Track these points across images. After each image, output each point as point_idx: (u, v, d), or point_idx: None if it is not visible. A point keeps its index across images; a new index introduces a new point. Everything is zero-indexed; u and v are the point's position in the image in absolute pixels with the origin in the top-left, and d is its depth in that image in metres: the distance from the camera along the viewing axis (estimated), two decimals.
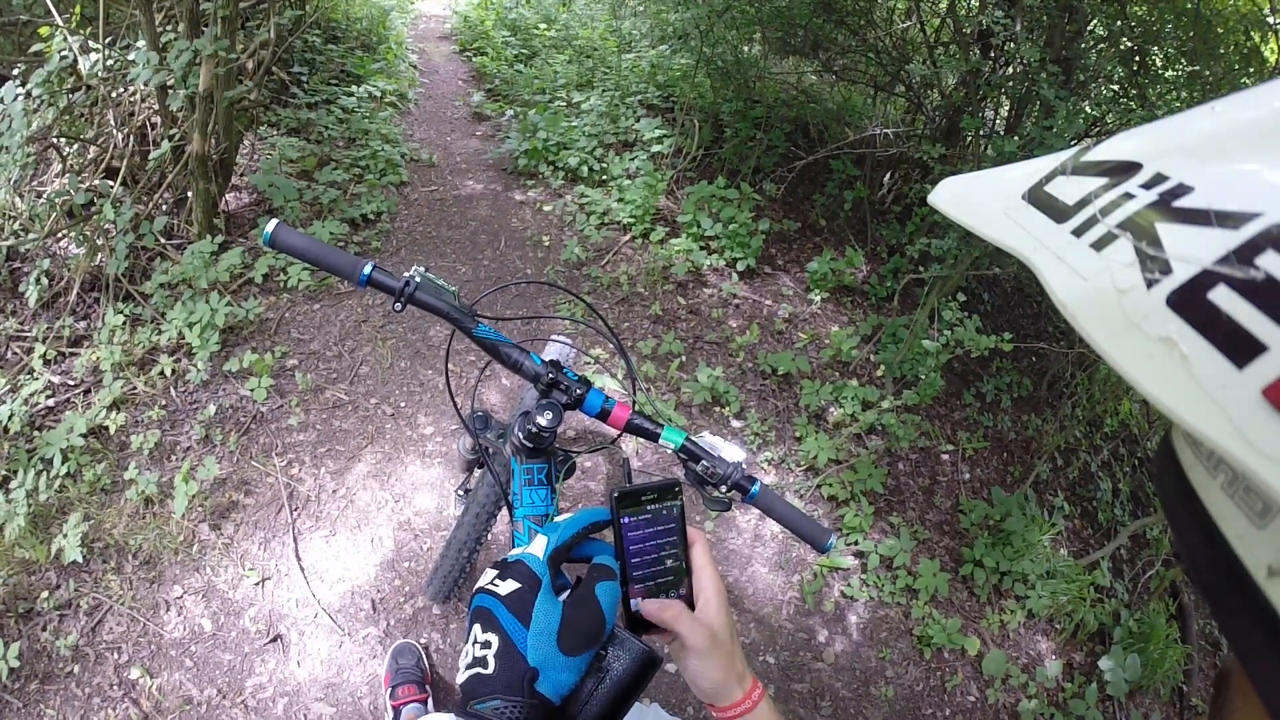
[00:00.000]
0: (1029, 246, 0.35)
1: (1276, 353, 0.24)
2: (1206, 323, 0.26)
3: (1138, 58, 3.85)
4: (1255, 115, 0.31)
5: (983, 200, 0.41)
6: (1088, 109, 3.79)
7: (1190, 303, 0.27)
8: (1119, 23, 3.70)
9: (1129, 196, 0.32)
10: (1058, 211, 0.35)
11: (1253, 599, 0.26)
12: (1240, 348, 0.24)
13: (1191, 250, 0.28)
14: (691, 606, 0.76)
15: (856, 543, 2.83)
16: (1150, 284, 0.28)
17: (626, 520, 0.76)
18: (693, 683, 0.75)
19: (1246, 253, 0.26)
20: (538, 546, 0.74)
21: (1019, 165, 0.41)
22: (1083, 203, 0.34)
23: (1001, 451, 3.50)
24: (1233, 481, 0.29)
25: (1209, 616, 3.23)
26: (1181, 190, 0.30)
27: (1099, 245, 0.32)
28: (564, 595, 0.72)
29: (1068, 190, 0.36)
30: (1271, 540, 0.26)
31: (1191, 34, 3.46)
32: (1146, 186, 0.32)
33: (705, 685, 0.73)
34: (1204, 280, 0.26)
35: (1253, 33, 3.59)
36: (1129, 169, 0.33)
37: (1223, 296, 0.26)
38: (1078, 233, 0.33)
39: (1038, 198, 0.37)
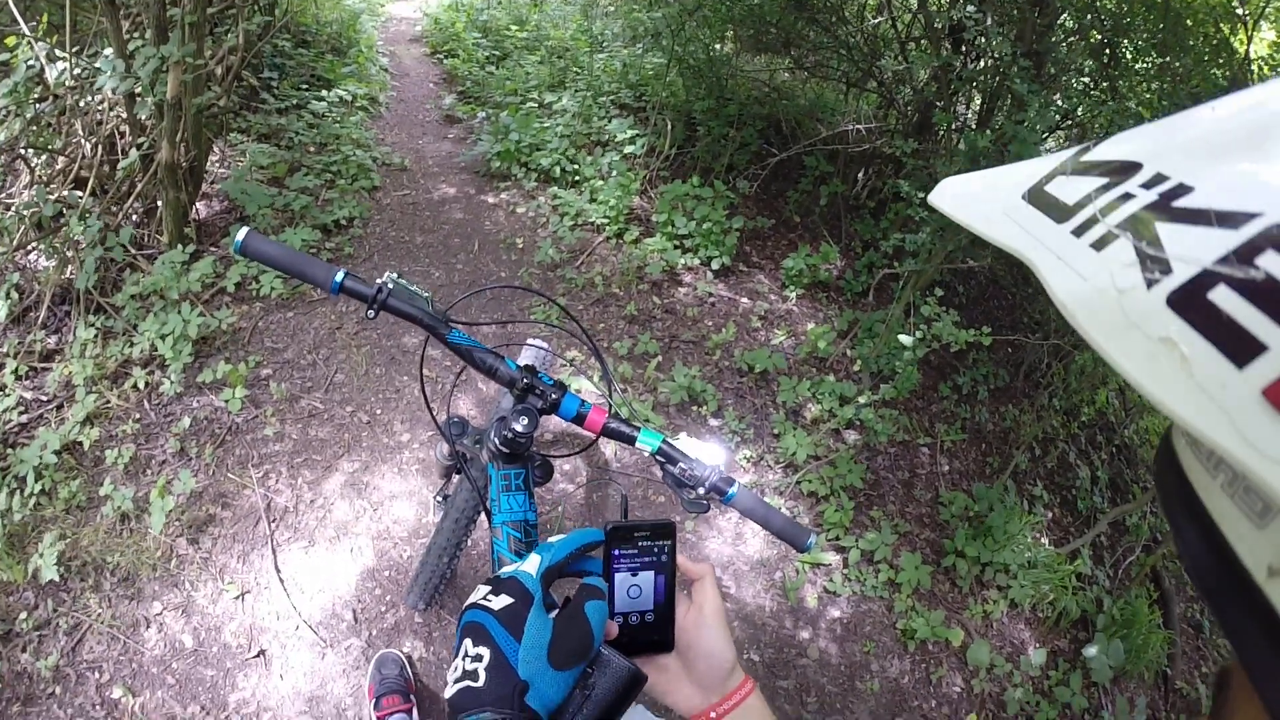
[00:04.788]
0: (1029, 246, 0.35)
1: (1276, 353, 0.24)
2: (1206, 323, 0.26)
3: (1108, 50, 3.91)
4: (1255, 115, 0.31)
5: (983, 200, 0.41)
6: (1059, 102, 3.83)
7: (1190, 303, 0.27)
8: (1089, 16, 3.74)
9: (1129, 196, 0.32)
10: (1058, 211, 0.35)
11: (1253, 599, 0.27)
12: (1240, 348, 0.25)
13: (1191, 250, 0.28)
14: (670, 645, 0.79)
15: (837, 538, 2.85)
16: (1150, 284, 0.28)
17: (617, 554, 0.79)
18: (676, 705, 0.79)
19: (1246, 253, 0.26)
20: (531, 564, 0.75)
21: (1019, 165, 0.41)
22: (1083, 203, 0.34)
23: (980, 443, 3.53)
24: (1233, 481, 0.29)
25: (1190, 600, 3.28)
26: (1181, 190, 0.30)
27: (1099, 245, 0.32)
28: (554, 613, 0.73)
29: (1068, 190, 0.36)
30: (1271, 540, 0.27)
31: (1161, 26, 3.51)
32: (1146, 186, 0.32)
33: (684, 705, 0.78)
34: (1204, 280, 0.27)
35: (1222, 24, 3.65)
36: (1129, 169, 0.34)
37: (1223, 296, 0.26)
38: (1078, 233, 0.33)
39: (1038, 198, 0.37)
